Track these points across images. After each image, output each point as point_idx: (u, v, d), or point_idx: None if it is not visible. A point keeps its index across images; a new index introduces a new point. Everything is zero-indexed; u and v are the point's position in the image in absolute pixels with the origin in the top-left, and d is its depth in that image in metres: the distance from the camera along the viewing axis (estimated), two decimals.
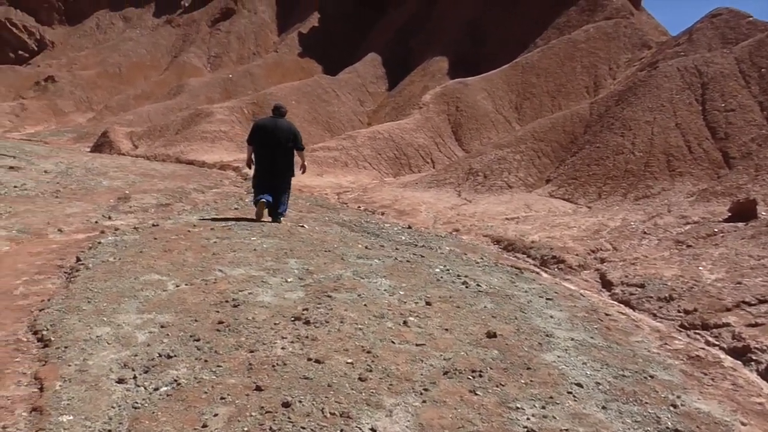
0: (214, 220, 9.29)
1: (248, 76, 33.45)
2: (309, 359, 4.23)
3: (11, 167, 13.22)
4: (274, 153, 9.10)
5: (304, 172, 9.69)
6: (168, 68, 39.76)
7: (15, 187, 11.13)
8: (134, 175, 14.22)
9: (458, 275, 6.83)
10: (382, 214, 11.86)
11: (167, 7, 47.87)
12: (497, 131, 20.42)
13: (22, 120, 32.30)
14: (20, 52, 46.42)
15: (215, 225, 8.66)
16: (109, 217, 9.71)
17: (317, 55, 34.86)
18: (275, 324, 4.85)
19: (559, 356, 4.67)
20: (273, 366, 4.10)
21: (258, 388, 3.78)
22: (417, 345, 4.64)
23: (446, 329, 5.02)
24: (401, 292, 5.92)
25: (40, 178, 12.43)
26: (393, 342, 4.66)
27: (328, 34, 35.77)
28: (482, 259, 8.20)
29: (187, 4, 47.51)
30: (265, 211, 9.25)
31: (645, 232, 9.44)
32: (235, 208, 10.61)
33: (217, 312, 5.08)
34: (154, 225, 8.74)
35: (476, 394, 3.92)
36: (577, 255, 8.64)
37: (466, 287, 6.37)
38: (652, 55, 21.05)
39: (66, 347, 4.39)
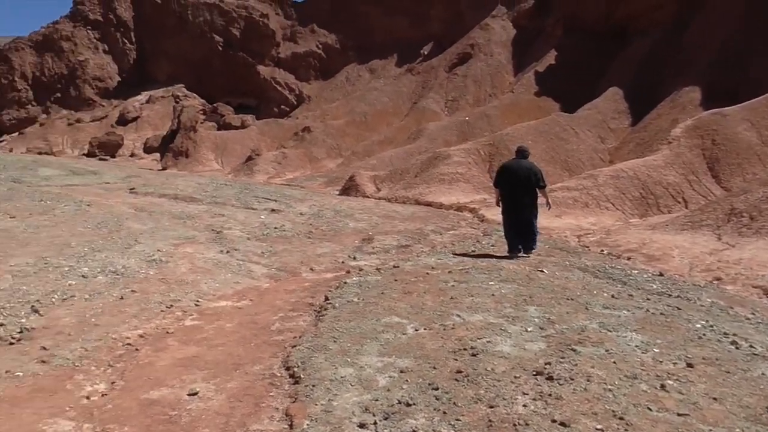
0: (454, 260, 9.33)
1: (484, 117, 33.87)
2: (553, 420, 3.91)
3: (273, 210, 14.77)
4: (517, 192, 9.60)
5: (549, 208, 10.03)
6: (408, 114, 41.90)
7: (275, 228, 12.35)
8: (377, 216, 14.98)
9: (725, 333, 5.94)
10: (629, 259, 10.96)
11: (408, 56, 50.78)
12: (764, 166, 17.99)
13: (283, 167, 36.20)
14: (282, 106, 52.66)
15: (453, 268, 8.67)
16: (354, 258, 10.27)
17: (554, 93, 34.14)
18: (515, 377, 4.60)
19: None
20: (514, 425, 3.86)
21: None
22: (679, 414, 4.06)
23: (714, 398, 4.34)
24: (656, 350, 5.29)
25: (296, 220, 13.66)
26: (649, 408, 4.14)
27: (566, 71, 34.87)
28: (754, 314, 7.09)
29: (426, 53, 49.95)
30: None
31: None
32: (472, 251, 10.57)
33: (456, 360, 4.97)
34: (394, 266, 9.02)
35: None
36: None
37: (736, 348, 5.50)
38: None
39: (314, 386, 4.59)
